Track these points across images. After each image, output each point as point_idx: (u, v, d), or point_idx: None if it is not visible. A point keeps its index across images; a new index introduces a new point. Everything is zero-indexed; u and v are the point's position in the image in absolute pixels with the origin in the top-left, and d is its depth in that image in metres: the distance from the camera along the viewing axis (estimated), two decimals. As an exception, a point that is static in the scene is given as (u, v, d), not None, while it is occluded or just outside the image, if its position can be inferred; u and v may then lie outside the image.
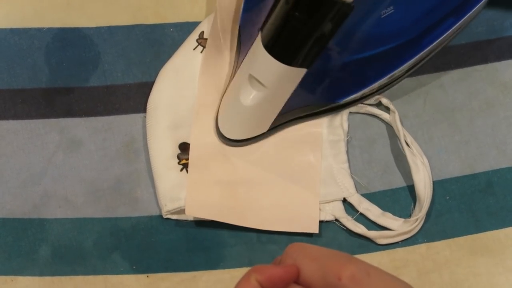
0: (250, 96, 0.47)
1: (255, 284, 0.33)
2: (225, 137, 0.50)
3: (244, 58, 0.47)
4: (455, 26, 0.47)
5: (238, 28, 0.50)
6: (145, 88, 0.53)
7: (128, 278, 0.49)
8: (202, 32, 0.53)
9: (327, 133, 0.52)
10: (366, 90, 0.49)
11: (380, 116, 0.52)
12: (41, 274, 0.49)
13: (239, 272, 0.49)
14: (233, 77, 0.50)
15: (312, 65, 0.44)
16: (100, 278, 0.49)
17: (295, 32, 0.41)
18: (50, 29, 0.54)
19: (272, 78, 0.45)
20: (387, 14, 0.44)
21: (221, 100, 0.51)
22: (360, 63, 0.47)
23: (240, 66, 0.48)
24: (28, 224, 0.50)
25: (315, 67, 0.44)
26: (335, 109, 0.51)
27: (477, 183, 0.51)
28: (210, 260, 0.50)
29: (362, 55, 0.47)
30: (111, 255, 0.50)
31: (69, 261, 0.50)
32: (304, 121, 0.51)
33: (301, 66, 0.44)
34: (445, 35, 0.47)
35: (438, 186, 0.51)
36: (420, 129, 0.52)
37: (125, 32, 0.55)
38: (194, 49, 0.53)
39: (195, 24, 0.54)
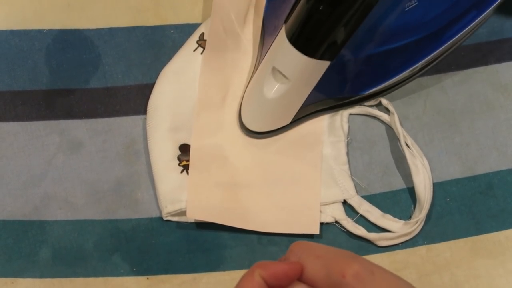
0: (273, 89, 0.47)
1: (259, 280, 0.33)
2: (248, 129, 0.50)
3: (267, 50, 0.48)
4: (478, 19, 0.47)
5: (261, 21, 0.51)
6: (146, 90, 0.53)
7: (129, 280, 0.49)
8: (202, 34, 0.53)
9: (327, 134, 0.52)
10: (388, 83, 0.50)
11: (380, 118, 0.52)
12: (42, 276, 0.49)
13: (239, 274, 0.49)
14: (256, 69, 0.50)
15: (336, 58, 0.44)
16: (100, 280, 0.49)
17: (319, 25, 0.42)
18: (50, 31, 0.54)
19: (296, 70, 0.45)
20: (411, 7, 0.45)
21: (244, 92, 0.51)
22: (383, 56, 0.47)
23: (263, 58, 0.48)
24: (29, 226, 0.50)
25: (338, 59, 0.45)
26: (358, 102, 0.52)
27: (478, 185, 0.51)
28: (210, 262, 0.50)
29: (385, 48, 0.47)
30: (112, 257, 0.50)
31: (69, 263, 0.50)
32: (326, 113, 0.52)
33: (324, 58, 0.44)
34: (467, 28, 0.48)
35: (439, 188, 0.51)
36: (421, 131, 0.52)
37: (125, 34, 0.55)
38: (194, 50, 0.53)
39: (195, 26, 0.54)
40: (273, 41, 0.47)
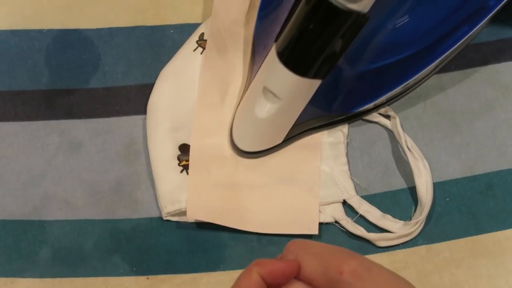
0: (264, 108, 0.46)
1: (256, 278, 0.33)
2: (240, 149, 0.50)
3: (258, 68, 0.47)
4: (469, 34, 0.47)
5: (252, 35, 0.51)
6: (145, 90, 0.53)
7: (128, 280, 0.49)
8: (202, 34, 0.53)
9: (327, 135, 0.52)
10: (381, 99, 0.49)
11: (380, 123, 0.52)
12: (41, 276, 0.49)
13: (239, 274, 0.49)
14: (247, 88, 0.49)
15: (326, 76, 0.44)
16: (100, 280, 0.49)
17: (310, 44, 0.41)
18: (50, 31, 0.55)
19: (287, 89, 0.45)
20: (401, 23, 0.44)
21: (235, 112, 0.51)
22: (374, 73, 0.47)
23: (254, 77, 0.48)
24: (29, 226, 0.50)
25: (329, 77, 0.44)
26: (349, 119, 0.51)
27: (477, 185, 0.51)
28: (210, 262, 0.50)
29: (376, 64, 0.47)
30: (111, 257, 0.50)
31: (69, 263, 0.50)
32: (318, 131, 0.51)
33: (315, 77, 0.44)
34: (459, 43, 0.47)
35: (438, 188, 0.51)
36: (420, 131, 0.52)
37: (125, 34, 0.55)
38: (194, 50, 0.53)
39: (195, 26, 0.54)
40: (263, 60, 0.46)
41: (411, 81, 0.49)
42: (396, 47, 0.46)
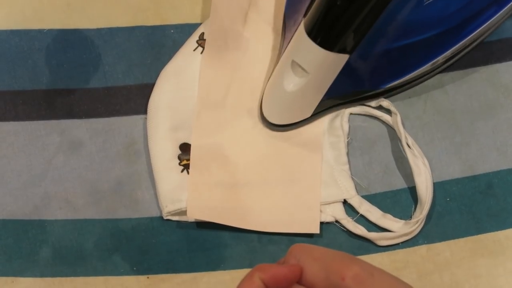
0: (293, 82, 0.47)
1: (258, 283, 0.33)
2: (269, 122, 0.51)
3: (288, 43, 0.48)
4: (498, 14, 0.48)
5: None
6: (146, 90, 0.53)
7: (129, 279, 0.49)
8: (202, 34, 0.53)
9: (327, 134, 0.52)
10: (408, 77, 0.50)
11: (381, 118, 0.52)
12: (42, 275, 0.49)
13: (239, 274, 0.49)
14: (277, 63, 0.50)
15: (354, 52, 0.44)
16: (100, 279, 0.49)
17: (337, 19, 0.42)
18: (50, 31, 0.55)
19: (315, 64, 0.45)
20: (430, 1, 0.45)
21: (265, 85, 0.52)
22: (401, 50, 0.48)
23: (283, 52, 0.49)
24: (29, 225, 0.50)
25: (357, 53, 0.45)
26: (377, 96, 0.52)
27: (478, 184, 0.51)
28: (210, 261, 0.50)
29: (403, 42, 0.47)
30: (112, 257, 0.50)
31: (69, 262, 0.50)
32: (346, 107, 0.52)
33: (343, 52, 0.44)
34: (487, 23, 0.48)
35: (439, 187, 0.51)
36: (421, 131, 0.52)
37: (125, 34, 0.55)
38: (194, 50, 0.53)
39: (195, 26, 0.54)
40: (292, 35, 0.47)
41: (439, 59, 0.49)
42: (423, 25, 0.46)
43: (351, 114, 0.53)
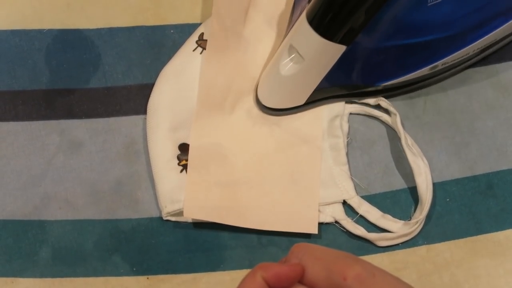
0: (288, 66, 0.48)
1: (260, 281, 0.33)
2: (263, 104, 0.51)
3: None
4: (504, 26, 0.47)
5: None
6: (146, 90, 0.53)
7: (129, 280, 0.49)
8: (202, 34, 0.53)
9: (327, 135, 0.52)
10: (406, 78, 0.50)
11: (381, 118, 0.52)
12: (42, 275, 0.49)
13: (239, 274, 0.49)
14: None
15: (352, 44, 0.45)
16: (100, 280, 0.49)
17: (338, 8, 0.43)
18: (50, 31, 0.55)
19: (311, 51, 0.46)
20: (434, 3, 0.45)
21: (261, 73, 0.52)
22: (401, 49, 0.48)
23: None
24: (29, 225, 0.50)
25: (355, 46, 0.45)
26: (373, 93, 0.52)
27: (478, 185, 0.51)
28: (210, 261, 0.50)
29: (403, 41, 0.47)
30: (112, 257, 0.50)
31: (69, 262, 0.50)
32: (342, 101, 0.52)
33: (340, 42, 0.44)
34: (492, 33, 0.48)
35: (439, 188, 0.51)
36: (421, 131, 0.52)
37: (125, 34, 0.55)
38: (193, 50, 0.53)
39: (195, 26, 0.54)
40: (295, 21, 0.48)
41: (439, 63, 0.49)
42: (426, 26, 0.46)
43: (350, 114, 0.53)
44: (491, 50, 0.51)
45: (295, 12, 0.51)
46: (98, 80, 0.54)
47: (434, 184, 0.50)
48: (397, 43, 0.47)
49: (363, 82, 0.51)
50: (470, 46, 0.48)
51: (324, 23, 0.44)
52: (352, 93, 0.52)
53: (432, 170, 0.50)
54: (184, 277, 0.49)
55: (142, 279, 0.49)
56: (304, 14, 0.45)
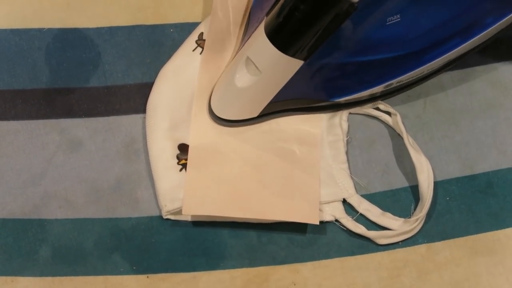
0: (243, 78, 0.47)
1: None
2: (215, 115, 0.50)
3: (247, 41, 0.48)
4: (460, 47, 0.47)
5: (249, 11, 0.51)
6: (145, 89, 0.53)
7: (128, 279, 0.49)
8: (201, 34, 0.53)
9: (326, 133, 0.52)
10: (361, 94, 0.49)
11: (380, 118, 0.52)
12: (42, 274, 0.49)
13: (239, 273, 0.49)
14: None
15: (309, 59, 0.44)
16: (100, 279, 0.49)
17: (296, 23, 0.42)
18: (50, 30, 0.55)
19: (268, 64, 0.45)
20: (392, 22, 0.45)
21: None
22: (358, 66, 0.47)
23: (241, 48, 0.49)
24: (29, 224, 0.50)
25: (312, 61, 0.45)
26: (329, 108, 0.52)
27: (477, 183, 0.51)
28: (210, 260, 0.50)
29: (360, 58, 0.47)
30: (111, 256, 0.50)
31: (69, 261, 0.50)
32: (296, 115, 0.52)
33: (297, 57, 0.44)
34: (447, 54, 0.48)
35: (439, 186, 0.51)
36: (421, 130, 0.52)
37: (125, 33, 0.55)
38: (193, 50, 0.53)
39: (195, 25, 0.54)
40: (252, 32, 0.47)
41: (394, 81, 0.49)
42: (383, 44, 0.46)
43: (350, 113, 0.53)
44: (447, 69, 0.51)
45: (251, 22, 0.51)
46: (98, 79, 0.54)
47: (434, 183, 0.50)
48: (354, 60, 0.47)
49: (318, 97, 0.50)
50: (425, 66, 0.48)
51: (283, 38, 0.43)
52: (307, 107, 0.51)
53: (432, 169, 0.50)
54: (184, 276, 0.49)
55: (142, 277, 0.49)
56: (262, 27, 0.44)
